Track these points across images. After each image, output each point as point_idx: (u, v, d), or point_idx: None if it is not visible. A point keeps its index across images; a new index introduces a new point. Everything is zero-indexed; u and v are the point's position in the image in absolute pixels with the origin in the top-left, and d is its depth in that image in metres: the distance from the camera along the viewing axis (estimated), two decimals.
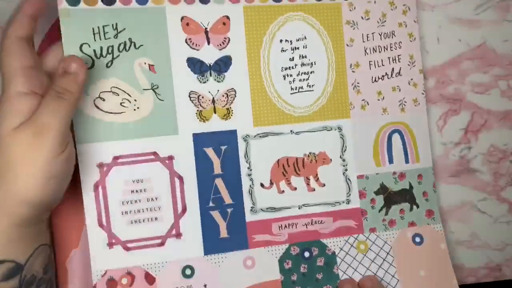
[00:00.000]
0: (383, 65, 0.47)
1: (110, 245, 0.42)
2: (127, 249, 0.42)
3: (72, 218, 0.42)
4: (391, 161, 0.48)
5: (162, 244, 0.43)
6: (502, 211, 0.51)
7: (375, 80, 0.47)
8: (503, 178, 0.51)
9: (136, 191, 0.42)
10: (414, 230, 0.48)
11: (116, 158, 0.42)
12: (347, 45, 0.46)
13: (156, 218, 0.43)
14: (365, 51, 0.47)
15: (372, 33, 0.47)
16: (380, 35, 0.47)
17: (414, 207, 0.48)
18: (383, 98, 0.48)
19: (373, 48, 0.47)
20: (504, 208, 0.51)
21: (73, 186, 0.40)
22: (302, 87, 0.46)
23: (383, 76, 0.47)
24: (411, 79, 0.48)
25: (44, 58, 0.39)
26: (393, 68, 0.48)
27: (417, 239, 0.48)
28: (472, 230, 0.50)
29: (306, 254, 0.46)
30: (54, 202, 0.37)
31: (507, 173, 0.51)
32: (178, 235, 0.43)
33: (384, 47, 0.47)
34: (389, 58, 0.48)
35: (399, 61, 0.48)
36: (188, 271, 0.43)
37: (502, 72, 0.51)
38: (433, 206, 0.48)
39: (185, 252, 0.43)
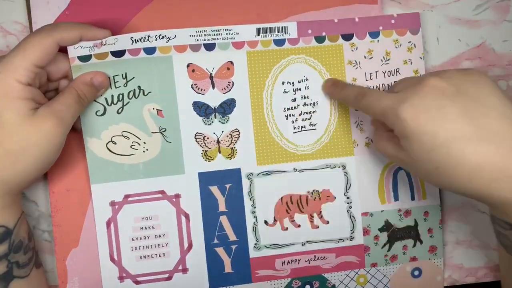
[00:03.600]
0: None
1: (121, 278, 0.42)
2: (137, 282, 0.42)
3: (72, 218, 0.42)
4: (396, 198, 0.45)
5: (169, 278, 0.42)
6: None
7: None
8: None
9: (145, 227, 0.42)
10: (415, 265, 0.45)
11: (127, 196, 0.42)
12: None
13: (163, 254, 0.42)
14: None
15: (376, 72, 0.44)
16: (384, 73, 0.44)
17: (418, 243, 0.45)
18: None
19: (377, 86, 0.44)
20: None
21: (73, 187, 0.41)
22: (304, 126, 0.44)
23: None
24: None
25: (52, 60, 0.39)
26: None
27: (416, 273, 0.45)
28: (471, 230, 0.47)
29: (307, 287, 0.44)
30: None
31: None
32: (185, 270, 0.42)
33: (388, 85, 0.44)
34: None
35: None
36: None
37: (502, 72, 0.47)
38: (438, 242, 0.45)
39: (192, 286, 0.42)
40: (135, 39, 0.40)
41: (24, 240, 0.38)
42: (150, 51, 0.41)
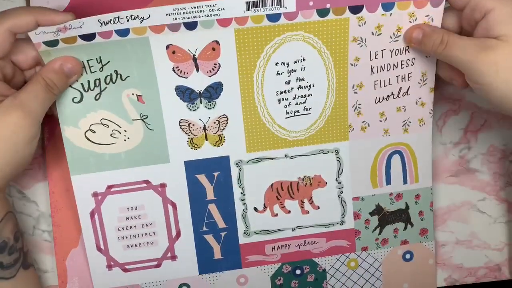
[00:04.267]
0: (389, 84, 0.40)
1: (109, 267, 0.41)
2: (125, 270, 0.41)
3: (72, 218, 0.41)
4: (388, 182, 0.43)
5: (158, 265, 0.42)
6: (501, 211, 0.47)
7: (379, 101, 0.41)
8: (502, 178, 0.46)
9: (131, 217, 0.41)
10: (406, 248, 0.44)
11: (109, 187, 0.40)
12: (351, 65, 0.39)
13: (151, 243, 0.41)
14: (371, 70, 0.40)
15: (382, 50, 0.39)
16: (391, 51, 0.39)
17: (409, 226, 0.44)
18: (386, 119, 0.41)
19: (381, 67, 0.40)
20: (503, 208, 0.47)
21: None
22: (298, 110, 0.40)
23: (388, 96, 0.41)
24: (419, 98, 0.41)
25: (16, 48, 0.35)
26: (400, 88, 0.41)
27: (407, 256, 0.45)
28: (471, 230, 0.47)
29: (298, 271, 0.44)
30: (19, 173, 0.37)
31: (506, 173, 0.46)
32: (173, 257, 0.42)
33: (394, 64, 0.40)
34: (398, 76, 0.40)
35: (408, 80, 0.40)
36: None
37: None
38: (428, 225, 0.44)
39: (181, 272, 0.42)
40: (103, 21, 0.35)
41: (8, 240, 0.36)
42: (123, 33, 0.36)
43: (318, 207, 0.43)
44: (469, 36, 0.36)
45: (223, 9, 0.36)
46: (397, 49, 0.39)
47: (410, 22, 0.39)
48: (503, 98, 0.34)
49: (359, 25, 0.38)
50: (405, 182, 0.43)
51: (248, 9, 0.37)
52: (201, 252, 0.42)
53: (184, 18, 0.36)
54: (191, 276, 0.42)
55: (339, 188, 0.42)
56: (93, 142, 0.38)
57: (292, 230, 0.43)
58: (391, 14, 0.38)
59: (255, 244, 0.42)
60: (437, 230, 0.46)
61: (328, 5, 0.37)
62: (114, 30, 0.35)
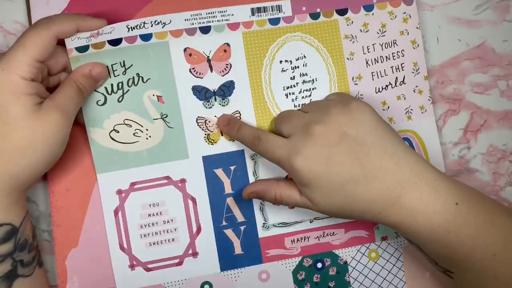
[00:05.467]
0: (386, 74, 0.43)
1: (132, 267, 0.40)
2: (148, 270, 0.41)
3: (72, 218, 0.41)
4: None
5: (180, 263, 0.41)
6: None
7: (379, 91, 0.43)
8: (502, 178, 0.46)
9: (153, 214, 0.41)
10: None
11: (133, 184, 0.41)
12: (348, 59, 0.43)
13: (173, 239, 0.41)
14: (367, 62, 0.43)
15: (373, 44, 0.43)
16: (381, 45, 0.43)
17: None
18: (388, 107, 0.43)
19: (375, 59, 0.43)
20: None
21: (73, 187, 0.40)
22: (305, 103, 0.42)
23: (386, 86, 0.43)
24: (416, 87, 0.44)
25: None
26: (396, 77, 0.43)
27: None
28: None
29: (319, 265, 0.42)
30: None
31: (506, 173, 0.46)
32: (195, 254, 0.41)
33: (386, 57, 0.43)
34: (392, 67, 0.43)
35: (402, 70, 0.43)
36: (206, 287, 0.41)
37: (502, 72, 0.46)
38: None
39: (202, 270, 0.41)
40: (131, 27, 0.39)
41: (28, 238, 0.37)
42: (146, 37, 0.40)
43: None
44: None
45: (232, 15, 0.41)
46: (386, 43, 0.43)
47: (391, 19, 0.43)
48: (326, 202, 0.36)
49: (348, 25, 0.42)
50: None
51: (252, 14, 0.41)
52: (222, 248, 0.41)
53: (199, 23, 0.40)
54: (213, 274, 0.41)
55: None
56: (117, 141, 0.41)
57: (310, 222, 0.42)
58: (373, 13, 0.43)
59: (274, 238, 0.42)
60: None
61: (318, 10, 0.42)
62: (139, 35, 0.39)
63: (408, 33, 0.43)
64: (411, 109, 0.44)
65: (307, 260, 0.42)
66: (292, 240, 0.42)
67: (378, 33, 0.43)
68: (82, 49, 0.39)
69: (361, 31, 0.43)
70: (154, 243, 0.41)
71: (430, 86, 0.44)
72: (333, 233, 0.43)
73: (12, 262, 0.35)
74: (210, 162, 0.42)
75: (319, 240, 0.43)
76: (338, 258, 0.43)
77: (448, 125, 0.46)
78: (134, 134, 0.41)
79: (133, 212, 0.41)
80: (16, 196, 0.36)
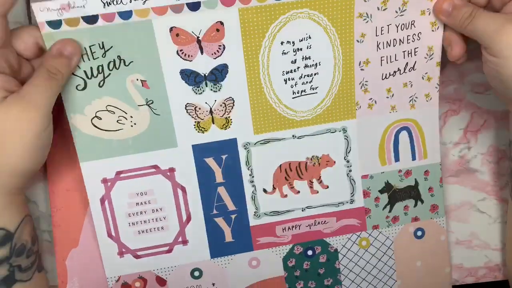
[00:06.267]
0: (396, 60, 0.39)
1: (121, 253, 0.40)
2: (137, 257, 0.40)
3: (72, 218, 0.40)
4: (397, 159, 0.41)
5: (169, 251, 0.40)
6: (501, 211, 0.45)
7: (385, 77, 0.39)
8: (502, 178, 0.45)
9: (141, 203, 0.39)
10: (417, 225, 0.43)
11: (118, 173, 0.38)
12: (357, 41, 0.38)
13: (162, 228, 0.40)
14: (378, 46, 0.38)
15: (388, 25, 0.37)
16: (397, 26, 0.38)
17: (419, 203, 0.43)
18: (393, 95, 0.40)
19: (387, 42, 0.38)
20: (503, 208, 0.45)
21: (73, 187, 0.39)
22: (305, 90, 0.38)
23: (394, 72, 0.39)
24: (426, 73, 0.40)
25: (15, 37, 0.33)
26: (407, 63, 0.39)
27: (419, 233, 0.43)
28: (471, 230, 0.45)
29: (309, 252, 0.42)
30: (37, 170, 0.35)
31: (506, 173, 0.44)
32: (185, 242, 0.40)
33: (400, 40, 0.38)
34: (404, 52, 0.39)
35: (415, 55, 0.39)
36: (196, 273, 0.41)
37: None
38: (439, 201, 0.43)
39: (192, 257, 0.41)
40: (106, 2, 0.33)
41: (27, 243, 0.35)
42: (125, 15, 0.34)
43: (327, 187, 0.41)
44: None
45: None
46: (403, 24, 0.38)
47: None
48: None
49: (365, 0, 0.36)
50: (413, 158, 0.42)
51: None
52: (212, 236, 0.41)
53: None
54: (203, 261, 0.41)
55: (348, 167, 0.41)
56: (100, 129, 0.37)
57: (302, 211, 0.41)
58: None
59: (265, 226, 0.41)
60: None
61: None
62: (117, 13, 0.34)
63: (429, 13, 0.38)
64: (416, 97, 0.40)
65: (298, 248, 0.42)
66: (283, 228, 0.42)
67: (397, 12, 0.37)
68: (55, 24, 0.33)
69: (379, 9, 0.37)
70: (143, 231, 0.40)
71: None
72: (325, 221, 0.42)
73: (9, 267, 0.34)
74: (200, 151, 0.39)
75: (310, 228, 0.42)
76: (329, 246, 0.42)
77: (448, 125, 0.44)
78: (117, 121, 0.37)
79: (120, 200, 0.39)
80: (6, 200, 0.33)
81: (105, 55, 0.35)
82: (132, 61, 0.36)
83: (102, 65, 0.35)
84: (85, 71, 0.35)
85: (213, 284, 0.41)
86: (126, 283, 0.40)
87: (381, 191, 0.42)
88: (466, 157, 0.44)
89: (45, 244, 0.41)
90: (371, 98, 0.40)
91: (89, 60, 0.35)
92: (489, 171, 0.44)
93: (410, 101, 0.40)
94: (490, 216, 0.45)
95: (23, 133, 0.32)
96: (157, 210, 0.40)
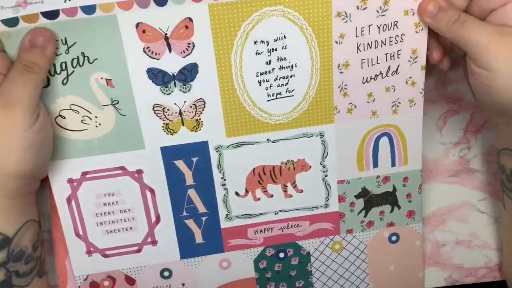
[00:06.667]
0: (378, 63, 0.36)
1: (89, 253, 0.39)
2: (106, 256, 0.39)
3: None
4: (375, 165, 0.40)
5: (139, 251, 0.40)
6: (501, 211, 0.43)
7: (366, 81, 0.37)
8: None
9: (109, 203, 0.38)
10: (392, 230, 0.42)
11: (84, 173, 0.37)
12: (336, 42, 0.35)
13: (130, 228, 0.39)
14: (358, 48, 0.35)
15: (369, 26, 0.35)
16: (379, 27, 0.35)
17: (396, 208, 0.41)
18: (374, 100, 0.37)
19: (368, 44, 0.35)
20: (503, 208, 0.44)
21: None
22: (280, 93, 0.36)
23: (376, 75, 0.37)
24: (410, 77, 0.37)
25: None
26: (389, 66, 0.36)
27: (393, 238, 0.42)
28: (471, 230, 0.45)
29: (281, 254, 0.41)
30: (39, 172, 0.34)
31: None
32: (154, 242, 0.39)
33: (382, 41, 0.35)
34: (386, 54, 0.36)
35: (398, 57, 0.36)
36: (166, 273, 0.41)
37: None
38: (416, 207, 0.41)
39: (162, 257, 0.40)
40: None
41: (26, 249, 0.34)
42: (89, 10, 0.31)
43: (302, 191, 0.40)
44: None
45: None
46: (385, 25, 0.35)
47: None
48: (508, 88, 0.31)
49: None
50: (393, 165, 0.40)
51: None
52: (182, 237, 0.40)
53: None
54: (173, 261, 0.40)
55: (324, 172, 0.39)
56: (64, 128, 0.35)
57: (275, 214, 0.40)
58: None
59: (237, 228, 0.40)
60: (437, 230, 0.44)
61: None
62: (80, 7, 0.31)
63: (413, 13, 0.35)
64: (399, 103, 0.38)
65: (270, 250, 0.41)
66: (255, 230, 0.40)
67: (378, 12, 0.34)
68: (11, 22, 0.31)
69: (358, 8, 0.34)
70: (111, 231, 0.39)
71: (430, 86, 0.38)
72: (298, 224, 0.41)
73: (6, 272, 0.33)
74: (169, 153, 0.37)
75: (282, 231, 0.41)
76: (301, 248, 0.41)
77: (448, 125, 0.42)
78: (82, 121, 0.35)
79: (87, 201, 0.38)
80: (6, 205, 0.32)
81: (68, 51, 0.33)
82: (96, 59, 0.33)
83: (65, 62, 0.33)
84: None
85: (183, 285, 0.41)
86: (94, 282, 0.40)
87: (357, 196, 0.40)
88: (466, 157, 0.43)
89: (45, 244, 0.40)
90: (350, 103, 0.37)
91: None
92: (489, 171, 0.43)
93: (393, 106, 0.38)
94: (490, 216, 0.44)
95: (6, 134, 0.30)
96: (125, 210, 0.38)
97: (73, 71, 0.34)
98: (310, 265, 0.42)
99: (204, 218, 0.39)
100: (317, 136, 0.38)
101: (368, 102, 0.38)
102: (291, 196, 0.40)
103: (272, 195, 0.40)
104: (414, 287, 0.44)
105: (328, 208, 0.40)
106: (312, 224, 0.41)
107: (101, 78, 0.34)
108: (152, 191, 0.38)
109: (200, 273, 0.41)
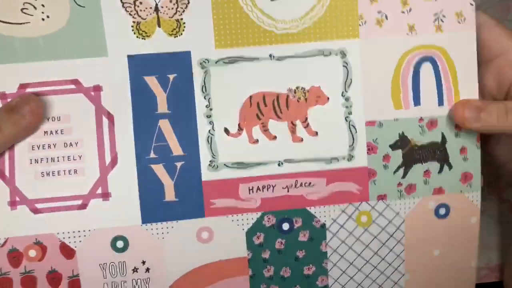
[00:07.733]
0: None
1: (13, 204, 0.27)
2: (36, 211, 0.27)
3: None
4: (417, 102, 0.29)
5: (83, 206, 0.28)
6: (502, 211, 0.40)
7: None
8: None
9: (51, 132, 0.27)
10: (440, 199, 0.30)
11: (23, 86, 0.27)
12: None
13: (75, 171, 0.28)
14: None
15: None
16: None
17: (446, 167, 0.30)
18: (410, 9, 0.28)
19: None
20: (504, 208, 0.39)
21: None
22: None
23: None
24: None
25: None
26: None
27: (442, 211, 0.30)
28: None
29: (285, 226, 0.29)
30: None
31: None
32: (106, 194, 0.28)
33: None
34: None
35: None
36: (120, 244, 0.28)
37: None
38: (474, 168, 0.30)
39: (116, 219, 0.28)
40: None
41: None
42: None
43: (316, 133, 0.29)
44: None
45: None
46: None
47: None
48: None
49: None
50: (440, 103, 0.29)
51: None
52: (146, 190, 0.28)
53: None
54: (130, 226, 0.28)
55: (347, 107, 0.29)
56: None
57: (279, 165, 0.29)
58: None
59: (224, 182, 0.28)
60: None
61: None
62: None
63: None
64: (443, 16, 0.29)
65: (269, 218, 0.29)
66: (250, 188, 0.29)
67: None
68: None
69: None
70: (48, 173, 0.27)
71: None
72: (310, 183, 0.29)
73: None
74: (139, 65, 0.27)
75: (288, 191, 0.29)
76: (314, 218, 0.29)
77: None
78: (22, 10, 0.26)
79: None
80: None
81: None
82: None
83: None
84: None
85: (143, 263, 0.28)
86: (15, 249, 0.27)
87: (393, 147, 0.29)
88: None
89: None
90: (380, 11, 0.28)
91: None
92: (489, 171, 0.34)
93: (435, 20, 0.29)
94: (491, 216, 0.38)
95: None
96: (71, 144, 0.27)
97: None
98: (325, 243, 0.29)
99: (179, 164, 0.28)
100: (337, 55, 0.28)
101: (403, 12, 0.28)
102: (301, 140, 0.29)
103: (275, 137, 0.29)
104: (462, 280, 0.30)
105: (353, 162, 0.29)
106: (330, 183, 0.29)
107: None
108: (111, 118, 0.27)
109: (170, 246, 0.28)
